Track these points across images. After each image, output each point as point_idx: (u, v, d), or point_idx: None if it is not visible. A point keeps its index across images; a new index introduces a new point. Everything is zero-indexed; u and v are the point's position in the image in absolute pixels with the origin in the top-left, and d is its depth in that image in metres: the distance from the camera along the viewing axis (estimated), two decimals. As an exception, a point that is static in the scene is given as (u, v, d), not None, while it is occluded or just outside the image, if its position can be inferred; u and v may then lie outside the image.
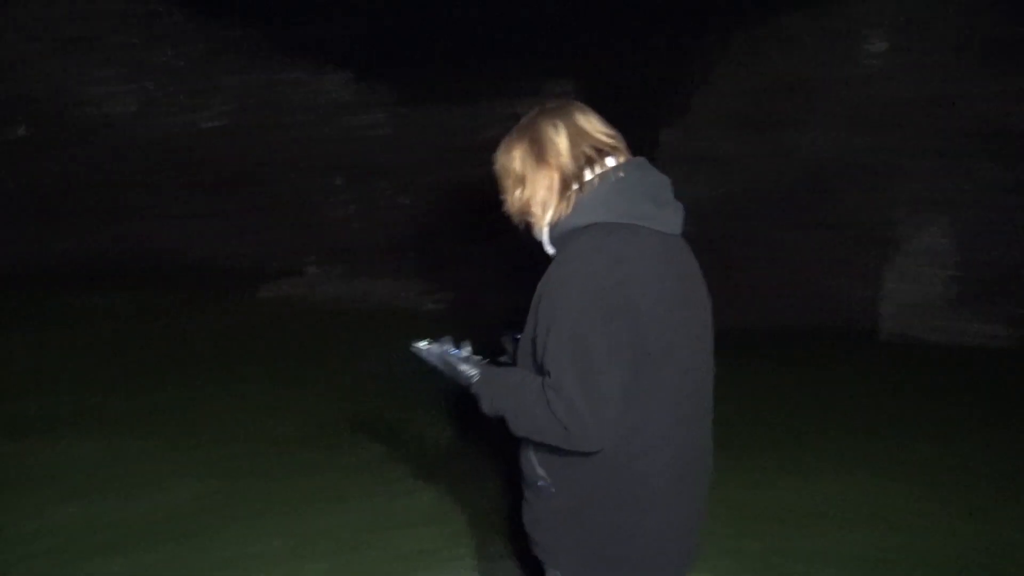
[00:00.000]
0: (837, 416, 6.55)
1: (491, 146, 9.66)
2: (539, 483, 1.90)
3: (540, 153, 1.93)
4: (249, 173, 12.36)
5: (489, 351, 2.23)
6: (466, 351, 2.11)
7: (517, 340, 2.16)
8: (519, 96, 12.21)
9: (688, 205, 1.99)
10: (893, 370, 8.13)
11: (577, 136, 1.91)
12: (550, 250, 1.96)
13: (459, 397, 2.21)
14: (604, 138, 1.92)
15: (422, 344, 2.04)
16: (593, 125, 1.94)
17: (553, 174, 1.91)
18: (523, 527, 2.01)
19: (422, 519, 4.45)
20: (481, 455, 5.42)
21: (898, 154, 9.05)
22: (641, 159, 1.94)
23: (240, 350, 8.03)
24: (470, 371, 1.96)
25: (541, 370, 1.84)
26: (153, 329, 8.29)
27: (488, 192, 8.69)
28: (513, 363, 2.14)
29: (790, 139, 9.80)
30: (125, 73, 12.27)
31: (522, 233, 2.16)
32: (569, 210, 1.87)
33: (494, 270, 11.57)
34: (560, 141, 1.91)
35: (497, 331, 2.32)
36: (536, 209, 1.98)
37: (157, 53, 12.37)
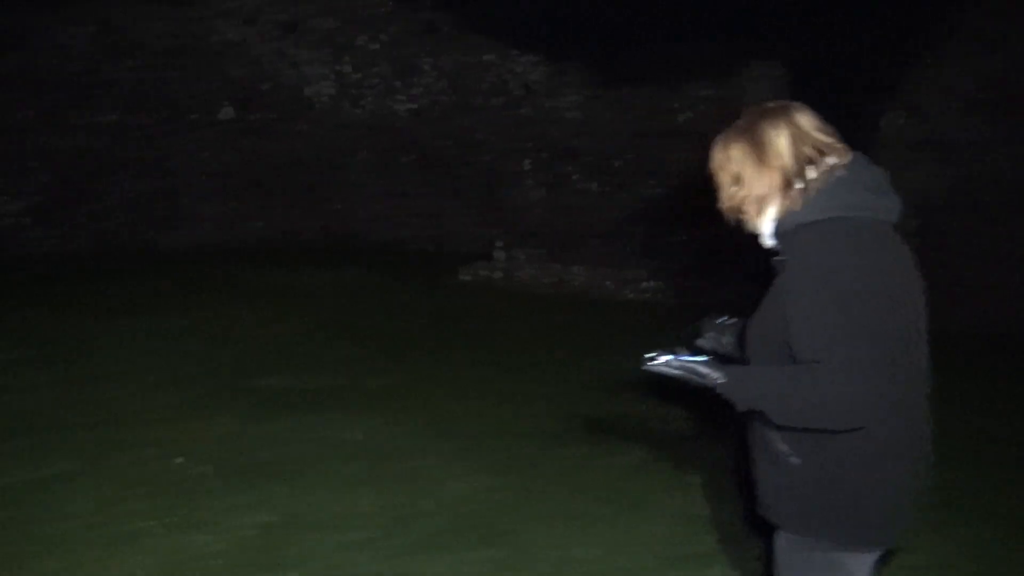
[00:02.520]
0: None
1: (687, 130, 9.07)
2: (790, 458, 1.94)
3: (761, 155, 1.95)
4: (440, 155, 12.23)
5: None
6: (702, 356, 2.08)
7: (721, 324, 2.32)
8: (719, 78, 11.60)
9: (910, 194, 2.05)
10: None
11: (797, 138, 1.94)
12: (770, 243, 2.01)
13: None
14: (823, 137, 1.95)
15: (659, 359, 1.96)
16: (812, 125, 1.96)
17: (774, 175, 1.94)
18: (759, 500, 2.08)
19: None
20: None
21: None
22: (858, 153, 1.97)
23: (457, 334, 7.79)
24: (713, 373, 1.95)
25: (782, 359, 1.92)
26: (371, 308, 8.17)
27: (684, 178, 8.18)
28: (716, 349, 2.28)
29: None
30: (325, 57, 12.34)
31: (729, 226, 2.17)
32: (796, 207, 1.91)
33: (693, 258, 11.06)
34: (781, 143, 1.94)
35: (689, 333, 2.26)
36: (750, 207, 2.01)
37: (355, 37, 12.41)
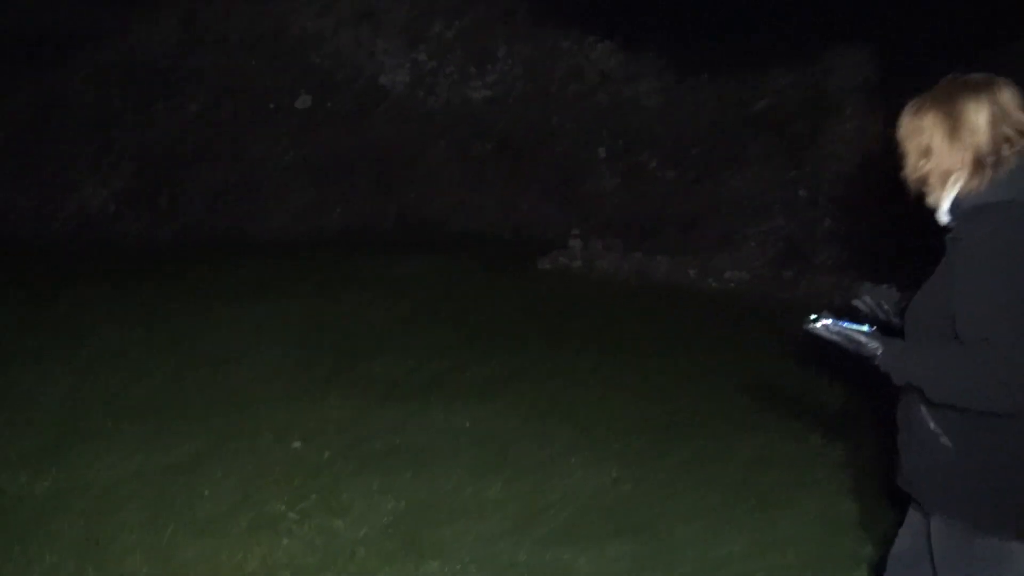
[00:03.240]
0: None
1: (766, 118, 8.74)
2: (940, 439, 1.88)
3: (955, 129, 1.84)
4: (516, 144, 12.09)
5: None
6: (865, 325, 2.00)
7: (881, 291, 2.22)
8: (799, 65, 11.27)
9: None
10: None
11: (998, 116, 1.82)
12: (944, 219, 1.92)
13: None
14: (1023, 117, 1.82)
15: (820, 322, 1.90)
16: (1016, 104, 1.84)
17: (966, 152, 1.83)
18: (901, 476, 2.03)
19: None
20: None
21: None
22: None
23: (552, 322, 7.64)
24: (872, 343, 1.87)
25: (943, 336, 1.85)
26: (462, 295, 8.07)
27: (764, 167, 7.89)
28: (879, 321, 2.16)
29: None
30: (400, 46, 12.30)
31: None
32: (982, 187, 1.82)
33: (774, 249, 10.79)
34: (980, 120, 1.83)
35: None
36: (935, 180, 1.91)
37: (430, 26, 12.34)
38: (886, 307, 2.22)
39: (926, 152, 1.92)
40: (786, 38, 11.41)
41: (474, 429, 4.93)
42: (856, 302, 2.20)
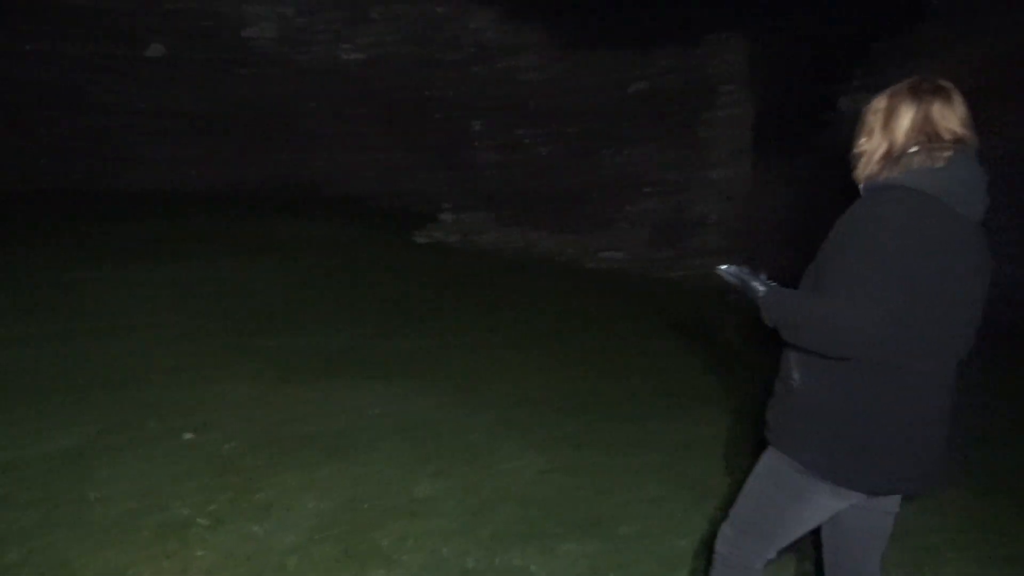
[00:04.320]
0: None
1: (645, 98, 8.79)
2: (791, 381, 2.09)
3: (888, 121, 2.04)
4: (393, 109, 11.52)
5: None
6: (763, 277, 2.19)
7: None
8: (680, 48, 11.29)
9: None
10: None
11: (923, 121, 2.01)
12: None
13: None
14: (947, 128, 2.00)
15: (724, 267, 2.20)
16: (945, 116, 2.01)
17: (887, 142, 2.03)
18: (766, 422, 2.21)
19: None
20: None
21: None
22: (969, 153, 2.01)
23: (451, 294, 7.30)
24: (759, 287, 2.10)
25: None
26: (358, 263, 7.55)
27: (641, 147, 7.89)
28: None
29: (1006, 114, 8.92)
30: (266, -2, 11.39)
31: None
32: (884, 175, 2.02)
33: (650, 228, 10.79)
34: (905, 120, 2.02)
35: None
36: (864, 160, 2.08)
37: (299, -22, 11.48)
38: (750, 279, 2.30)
39: (869, 133, 2.08)
40: (667, 21, 11.37)
41: (387, 414, 4.50)
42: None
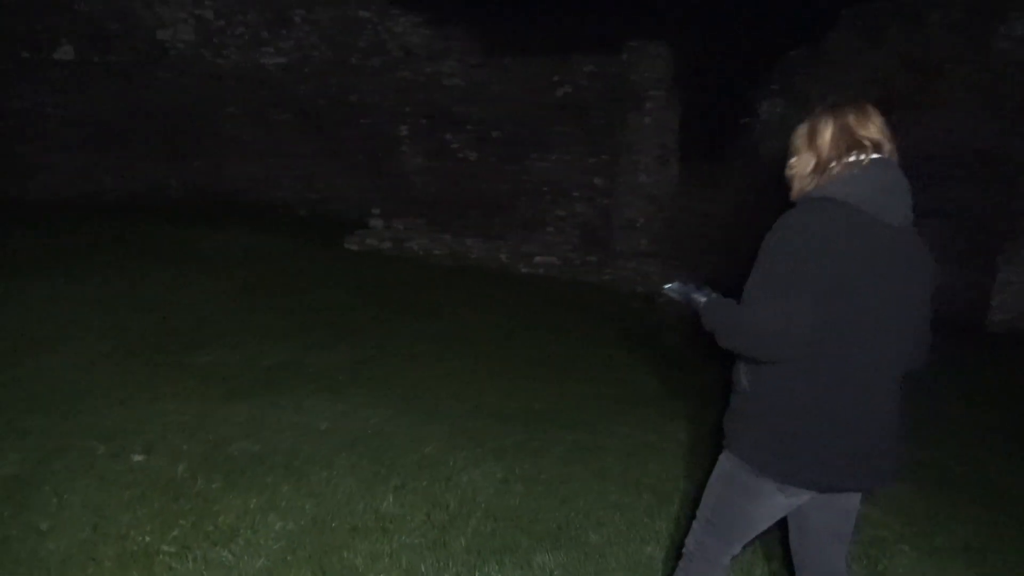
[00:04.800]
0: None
1: (569, 104, 9.09)
2: (740, 385, 2.19)
3: (811, 138, 2.18)
4: (316, 116, 11.29)
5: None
6: (706, 289, 2.35)
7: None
8: (602, 54, 11.39)
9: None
10: (989, 360, 7.73)
11: (840, 132, 2.14)
12: None
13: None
14: (864, 136, 2.12)
15: (668, 285, 2.35)
16: (862, 125, 2.14)
17: (813, 157, 2.17)
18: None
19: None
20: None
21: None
22: (887, 159, 2.13)
23: (382, 303, 7.18)
24: (701, 298, 2.24)
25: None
26: (284, 273, 7.33)
27: (567, 153, 8.03)
28: None
29: (907, 121, 9.33)
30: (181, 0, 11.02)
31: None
32: (815, 185, 2.14)
33: (580, 234, 10.87)
34: (827, 132, 2.15)
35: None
36: (795, 178, 2.23)
37: (217, -20, 11.14)
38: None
39: (797, 153, 2.24)
40: (588, 28, 11.49)
41: (337, 429, 4.38)
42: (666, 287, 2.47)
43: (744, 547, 2.38)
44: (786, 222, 2.05)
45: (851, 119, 2.15)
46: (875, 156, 2.12)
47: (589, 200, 10.90)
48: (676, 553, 2.52)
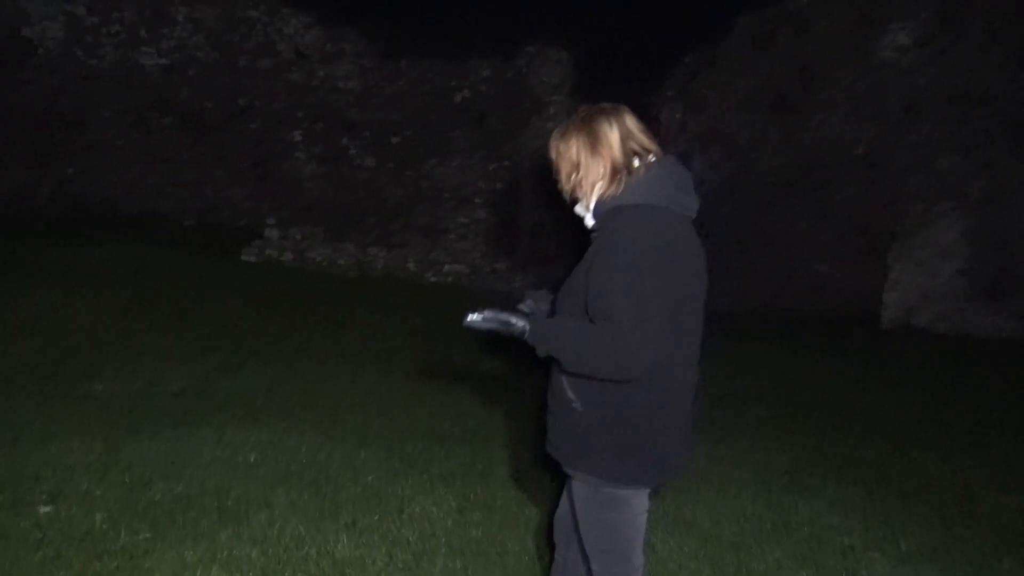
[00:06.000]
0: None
1: (467, 108, 8.92)
2: (574, 404, 2.13)
3: (596, 146, 2.16)
4: (201, 119, 10.58)
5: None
6: (524, 307, 2.32)
7: (539, 295, 2.41)
8: (500, 58, 11.18)
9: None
10: (891, 356, 7.99)
11: (626, 135, 2.16)
12: (590, 222, 2.20)
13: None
14: (645, 138, 2.17)
15: (473, 317, 2.11)
16: (637, 127, 2.19)
17: (606, 163, 2.15)
18: (548, 442, 2.27)
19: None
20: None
21: (914, 147, 8.97)
22: (672, 156, 2.21)
23: (284, 318, 6.69)
24: (520, 323, 2.10)
25: (581, 317, 2.10)
26: (175, 289, 6.75)
27: (467, 158, 7.82)
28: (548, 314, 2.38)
29: (796, 125, 9.54)
30: (49, -7, 10.11)
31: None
32: (617, 192, 2.13)
33: (485, 241, 10.60)
34: (613, 138, 2.15)
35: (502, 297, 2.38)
36: (585, 189, 2.20)
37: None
38: (544, 307, 2.39)
39: (576, 166, 2.17)
40: (486, 30, 11.25)
41: (267, 460, 3.94)
42: (521, 307, 2.35)
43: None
44: (633, 235, 2.03)
45: (629, 123, 2.17)
46: (661, 158, 2.18)
47: (493, 206, 10.64)
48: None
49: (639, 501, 2.17)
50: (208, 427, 4.25)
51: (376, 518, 3.45)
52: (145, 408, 4.38)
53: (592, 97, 2.43)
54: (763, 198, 9.80)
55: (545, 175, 2.19)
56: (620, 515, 2.16)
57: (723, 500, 4.21)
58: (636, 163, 2.14)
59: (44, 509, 3.06)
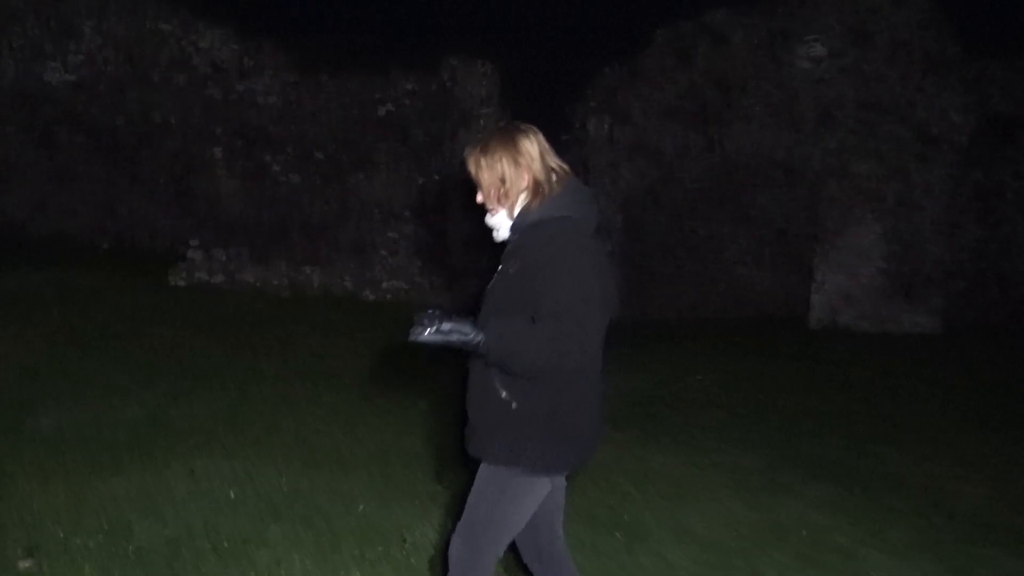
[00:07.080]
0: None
1: (391, 123, 8.90)
2: (511, 404, 2.18)
3: (519, 159, 2.23)
4: (112, 137, 10.00)
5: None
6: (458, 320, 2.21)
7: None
8: (423, 72, 10.99)
9: (617, 193, 2.67)
10: (822, 355, 8.25)
11: (544, 151, 2.25)
12: (505, 235, 2.29)
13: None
14: (555, 158, 2.27)
15: (421, 335, 2.03)
16: (549, 144, 2.28)
17: (528, 177, 2.23)
18: (471, 443, 2.30)
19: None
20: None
21: (830, 154, 9.28)
22: (569, 172, 2.30)
23: (228, 342, 6.35)
24: (472, 334, 2.05)
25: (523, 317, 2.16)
26: (102, 316, 6.31)
27: (392, 173, 7.72)
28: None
29: (717, 134, 9.72)
30: (-57, 3, 9.39)
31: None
32: (535, 205, 2.22)
33: (417, 256, 10.38)
34: (534, 153, 2.23)
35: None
36: (512, 202, 2.26)
37: (-12, -16, 9.59)
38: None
39: (502, 180, 2.23)
40: (407, 43, 11.08)
41: (248, 496, 3.69)
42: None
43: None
44: (570, 241, 2.16)
45: (542, 143, 2.26)
46: (570, 175, 2.27)
47: (422, 220, 10.44)
48: (444, 566, 2.36)
49: (535, 488, 2.23)
50: (175, 460, 3.95)
51: (381, 549, 3.25)
52: (100, 442, 4.03)
53: (520, 109, 2.57)
54: (687, 205, 9.95)
55: (475, 188, 2.16)
56: (511, 501, 2.22)
57: (710, 504, 4.18)
58: (553, 178, 2.23)
59: (24, 564, 2.73)
